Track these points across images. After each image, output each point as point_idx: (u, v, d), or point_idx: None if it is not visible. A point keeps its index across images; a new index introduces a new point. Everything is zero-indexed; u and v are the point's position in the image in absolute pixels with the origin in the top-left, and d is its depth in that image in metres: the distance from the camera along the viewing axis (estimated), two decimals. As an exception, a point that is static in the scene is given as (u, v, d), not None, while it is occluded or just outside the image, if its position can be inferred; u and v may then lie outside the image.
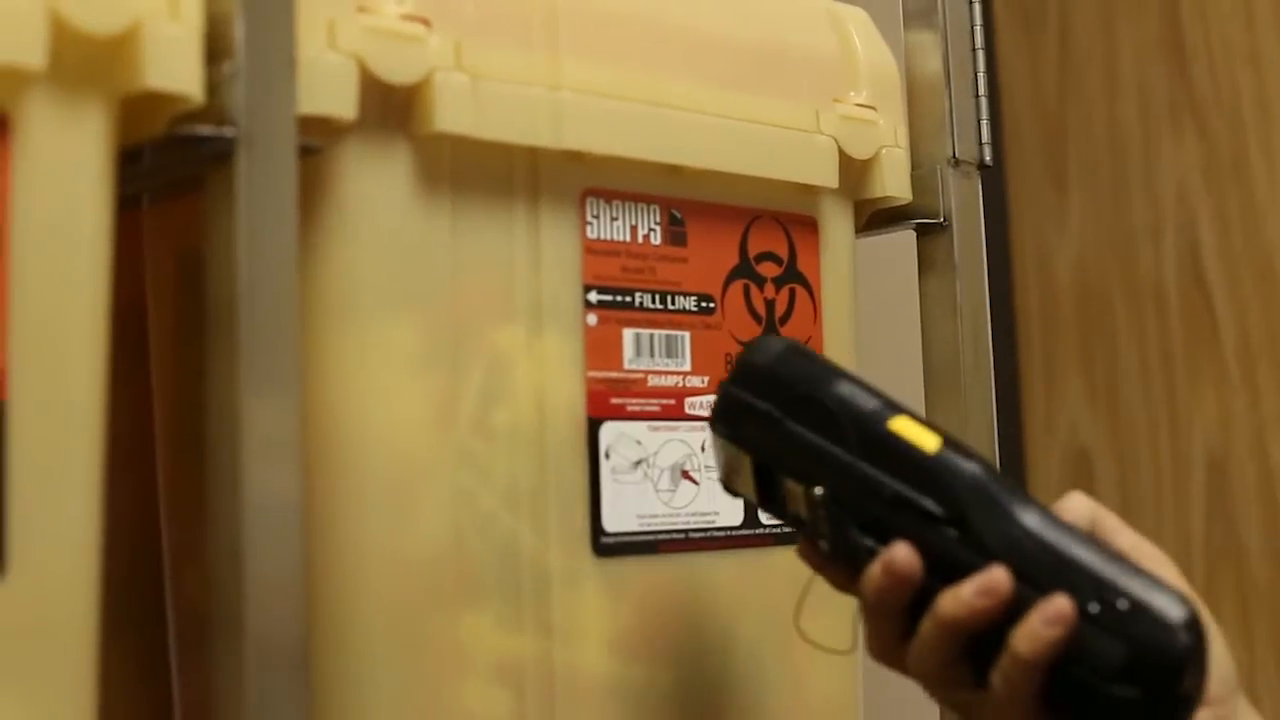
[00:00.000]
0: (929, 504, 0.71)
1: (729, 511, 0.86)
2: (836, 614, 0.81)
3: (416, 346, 0.75)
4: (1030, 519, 0.71)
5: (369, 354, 0.74)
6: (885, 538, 0.72)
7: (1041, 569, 0.70)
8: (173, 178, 0.72)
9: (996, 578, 0.69)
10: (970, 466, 0.72)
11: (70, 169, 0.63)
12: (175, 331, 0.80)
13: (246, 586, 0.66)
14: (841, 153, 0.92)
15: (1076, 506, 0.75)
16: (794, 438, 0.74)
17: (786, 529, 0.88)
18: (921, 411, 0.99)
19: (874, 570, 0.71)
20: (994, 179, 1.86)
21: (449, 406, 0.76)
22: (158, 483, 0.81)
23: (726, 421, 0.76)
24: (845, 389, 0.74)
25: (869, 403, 0.73)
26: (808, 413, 0.74)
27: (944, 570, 0.71)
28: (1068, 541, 0.70)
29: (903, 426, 0.73)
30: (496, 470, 0.77)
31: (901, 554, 0.71)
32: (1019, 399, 1.90)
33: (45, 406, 0.62)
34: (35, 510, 0.61)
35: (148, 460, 0.82)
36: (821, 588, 0.77)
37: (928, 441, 0.72)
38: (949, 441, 0.72)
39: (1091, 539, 0.71)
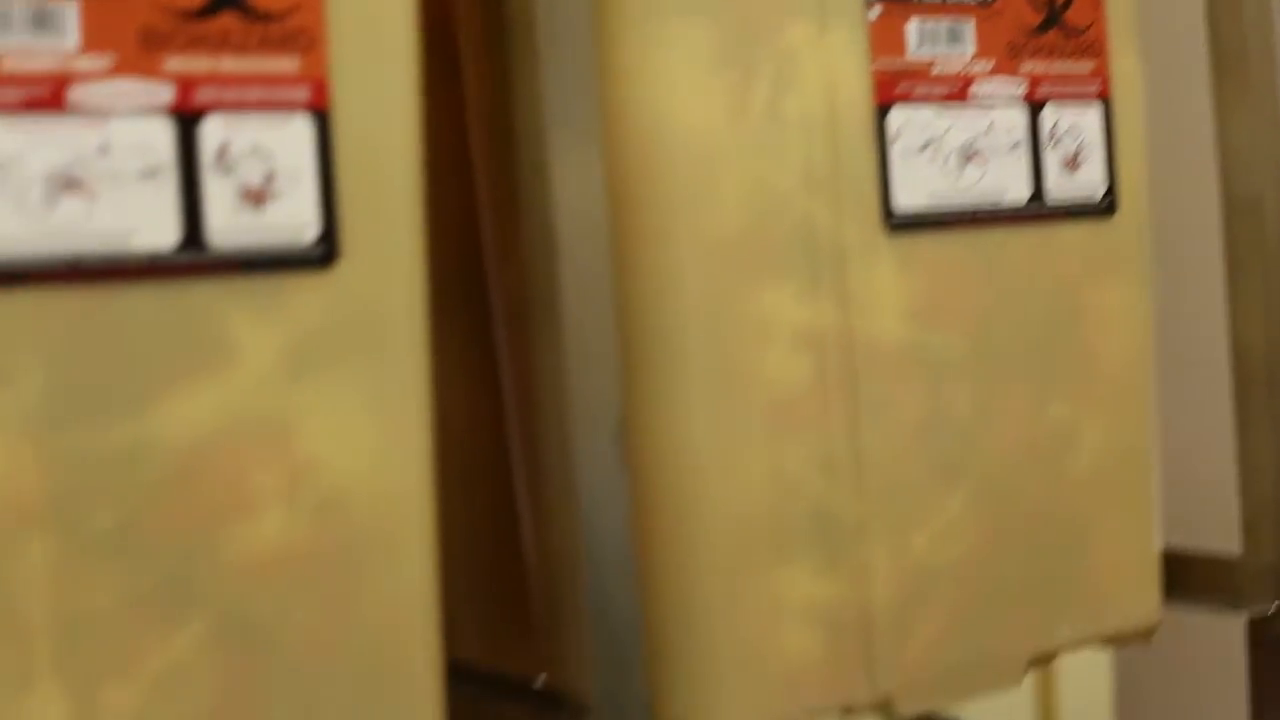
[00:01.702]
0: None
1: (1016, 188, 0.88)
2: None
3: (712, 44, 0.79)
4: None
5: (668, 52, 0.78)
6: None
7: None
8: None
9: None
10: None
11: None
12: (483, 40, 0.85)
13: (561, 278, 0.72)
14: None
15: None
16: None
17: (1075, 204, 0.90)
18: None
19: None
20: None
21: (744, 99, 0.80)
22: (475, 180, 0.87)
23: None
24: None
25: None
26: None
27: None
28: None
29: None
30: (791, 155, 0.81)
31: None
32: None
33: (365, 111, 0.67)
34: (362, 201, 0.67)
35: (465, 157, 0.87)
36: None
37: None
38: None
39: None
